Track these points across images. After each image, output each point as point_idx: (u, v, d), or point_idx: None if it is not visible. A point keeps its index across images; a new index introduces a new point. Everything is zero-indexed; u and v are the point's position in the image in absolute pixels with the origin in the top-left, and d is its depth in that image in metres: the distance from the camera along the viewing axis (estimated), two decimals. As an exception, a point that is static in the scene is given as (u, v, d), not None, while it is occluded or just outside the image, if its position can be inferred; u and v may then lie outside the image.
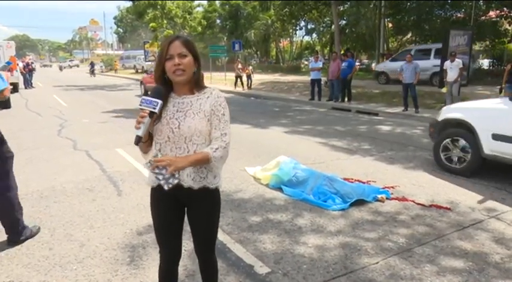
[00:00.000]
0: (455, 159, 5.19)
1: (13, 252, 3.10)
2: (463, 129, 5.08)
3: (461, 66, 10.34)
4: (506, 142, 4.56)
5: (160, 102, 1.70)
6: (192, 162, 1.73)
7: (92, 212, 3.89)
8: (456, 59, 10.43)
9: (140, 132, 1.67)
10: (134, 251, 3.12)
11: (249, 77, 19.06)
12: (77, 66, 63.77)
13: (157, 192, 1.90)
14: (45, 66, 68.34)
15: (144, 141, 1.78)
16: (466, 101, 6.81)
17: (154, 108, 1.69)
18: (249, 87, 18.98)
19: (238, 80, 19.00)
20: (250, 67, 20.13)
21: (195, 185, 1.83)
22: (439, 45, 14.77)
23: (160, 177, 1.77)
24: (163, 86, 1.80)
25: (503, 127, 4.60)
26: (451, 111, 5.41)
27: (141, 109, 1.69)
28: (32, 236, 3.33)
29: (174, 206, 1.94)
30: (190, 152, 1.79)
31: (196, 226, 1.98)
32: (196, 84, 1.86)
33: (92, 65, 35.79)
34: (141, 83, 17.79)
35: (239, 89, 18.78)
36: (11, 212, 3.19)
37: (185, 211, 1.98)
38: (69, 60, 70.07)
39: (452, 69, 10.31)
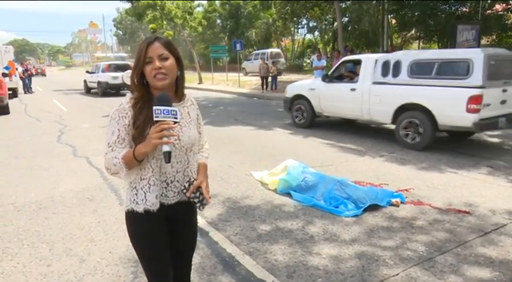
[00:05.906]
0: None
1: (9, 270, 2.92)
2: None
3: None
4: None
5: (177, 109, 1.50)
6: (206, 175, 1.81)
7: (93, 223, 3.71)
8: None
9: (169, 148, 1.49)
10: (138, 266, 2.92)
11: (274, 77, 17.13)
12: None
13: (146, 217, 1.63)
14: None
15: (141, 160, 1.55)
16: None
17: (175, 118, 1.48)
18: (273, 89, 16.95)
19: (264, 80, 17.05)
20: (274, 67, 17.51)
21: (184, 197, 1.73)
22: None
23: (196, 200, 1.70)
24: (145, 93, 1.59)
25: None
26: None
27: (158, 121, 1.45)
28: None
29: (166, 229, 1.74)
30: (190, 162, 1.71)
31: (185, 241, 1.84)
32: (179, 90, 1.69)
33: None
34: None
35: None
36: None
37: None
38: None
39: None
